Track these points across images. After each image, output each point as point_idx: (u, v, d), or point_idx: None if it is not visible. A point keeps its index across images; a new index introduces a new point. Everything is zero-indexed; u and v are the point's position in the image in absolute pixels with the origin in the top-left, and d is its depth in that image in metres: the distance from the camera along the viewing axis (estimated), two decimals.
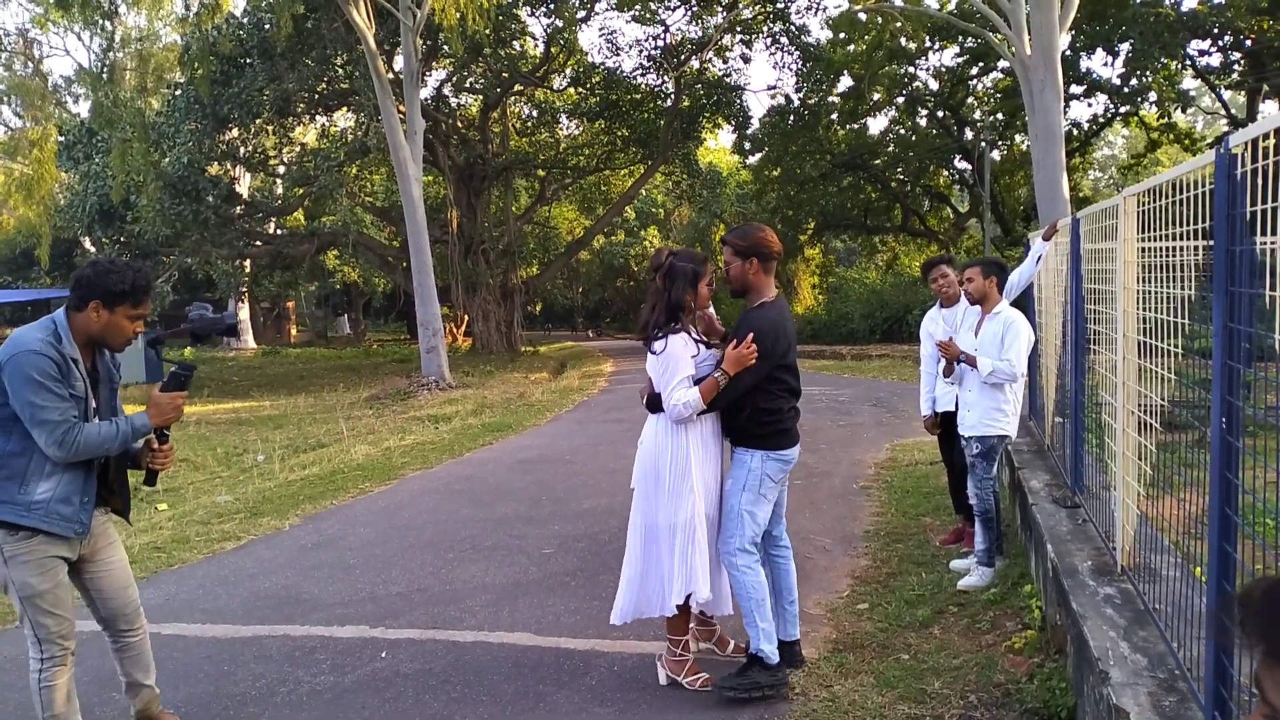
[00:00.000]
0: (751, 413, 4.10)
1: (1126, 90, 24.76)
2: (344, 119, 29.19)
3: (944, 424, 6.15)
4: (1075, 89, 25.27)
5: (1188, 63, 24.60)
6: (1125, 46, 23.61)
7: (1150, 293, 3.46)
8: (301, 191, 27.80)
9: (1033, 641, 4.26)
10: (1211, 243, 2.75)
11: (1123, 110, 26.53)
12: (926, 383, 6.26)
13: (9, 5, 59.60)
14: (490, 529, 7.29)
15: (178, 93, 24.65)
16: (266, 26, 21.84)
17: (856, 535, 6.60)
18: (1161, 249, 3.45)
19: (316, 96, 25.66)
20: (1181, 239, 3.07)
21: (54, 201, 29.33)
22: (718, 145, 40.01)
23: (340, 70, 24.23)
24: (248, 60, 22.90)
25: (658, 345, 4.08)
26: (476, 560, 6.44)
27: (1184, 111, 26.99)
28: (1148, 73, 23.85)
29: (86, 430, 3.35)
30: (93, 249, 29.76)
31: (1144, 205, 3.48)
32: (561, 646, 4.76)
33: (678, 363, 4.03)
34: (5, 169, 33.96)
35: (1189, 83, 26.48)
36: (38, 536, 3.37)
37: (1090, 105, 28.49)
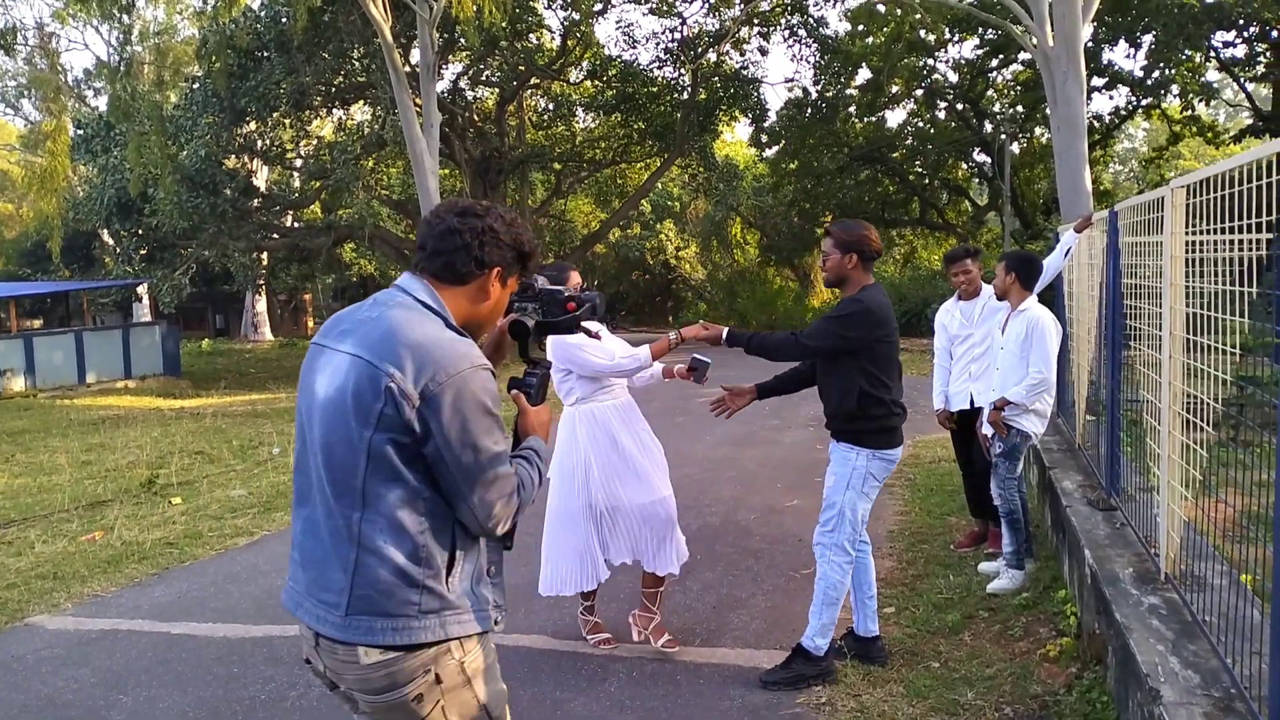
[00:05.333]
0: (860, 404, 3.99)
1: (1149, 82, 24.45)
2: (361, 112, 29.11)
3: (960, 423, 6.00)
4: (1097, 81, 24.95)
5: (1212, 54, 24.24)
6: (1148, 38, 23.30)
7: (1199, 289, 3.30)
8: (318, 184, 27.72)
9: (1069, 650, 4.10)
10: (1272, 236, 2.59)
11: (1145, 103, 26.20)
12: (940, 375, 6.11)
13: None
14: None
15: (195, 86, 24.61)
16: (283, 20, 21.75)
17: (880, 535, 6.43)
18: (1210, 243, 3.30)
19: (333, 89, 25.57)
20: (1236, 232, 2.91)
21: (73, 194, 29.36)
22: (734, 138, 39.78)
23: (357, 63, 24.13)
24: (265, 53, 22.82)
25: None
26: None
27: (1207, 104, 26.64)
28: (1171, 65, 23.53)
29: (525, 481, 2.19)
30: (110, 241, 29.82)
31: (1193, 198, 3.32)
32: (579, 651, 4.63)
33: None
34: (26, 162, 34.08)
35: (1213, 75, 26.12)
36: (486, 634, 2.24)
37: (1112, 98, 28.12)
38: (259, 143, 26.07)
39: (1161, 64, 23.57)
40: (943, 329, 6.10)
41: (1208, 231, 3.29)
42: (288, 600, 2.22)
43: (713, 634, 4.77)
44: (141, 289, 31.25)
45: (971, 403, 5.78)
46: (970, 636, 4.52)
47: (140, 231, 26.20)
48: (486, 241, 2.18)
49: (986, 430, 5.38)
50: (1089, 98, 23.55)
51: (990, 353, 5.56)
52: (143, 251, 27.02)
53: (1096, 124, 26.33)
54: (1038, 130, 27.80)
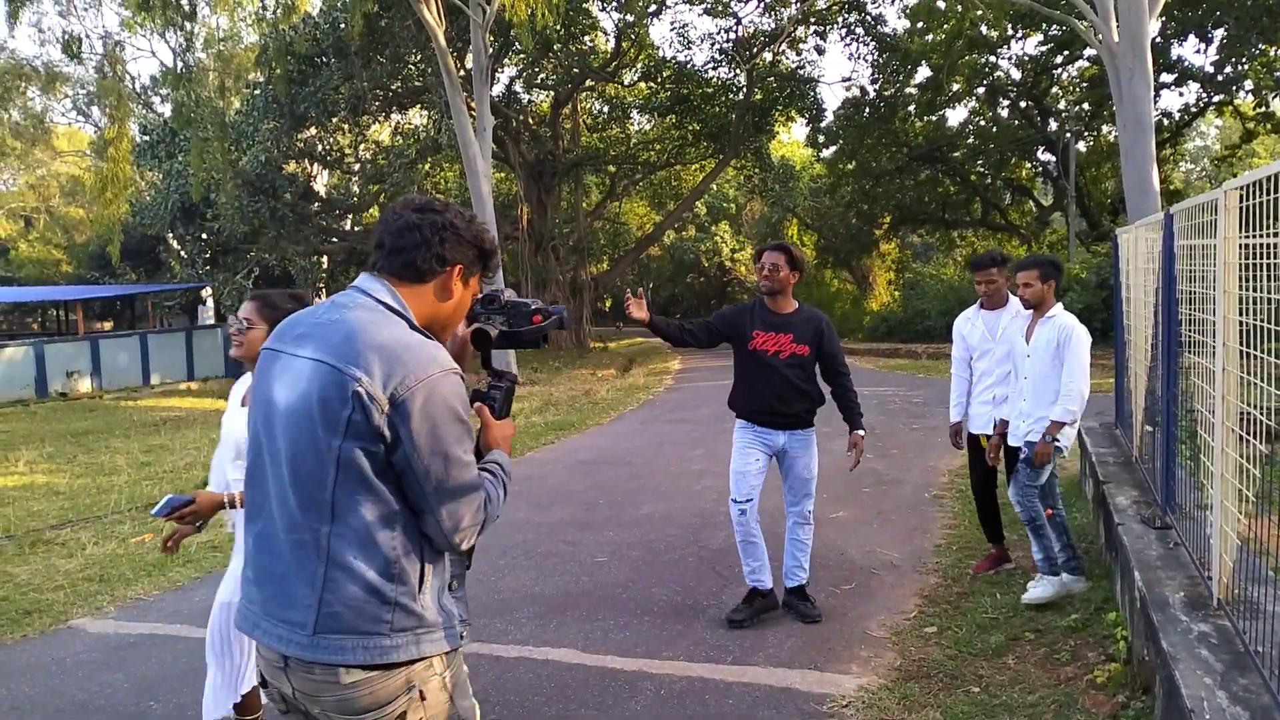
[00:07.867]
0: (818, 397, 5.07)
1: (1220, 78, 23.71)
2: (417, 116, 29.42)
3: (974, 447, 5.72)
4: (1165, 77, 24.27)
5: None
6: (1219, 32, 22.61)
7: (1256, 297, 3.09)
8: (376, 188, 28.11)
9: (1117, 676, 3.90)
10: None
11: (1216, 99, 25.41)
12: (957, 387, 5.76)
13: (102, 9, 61.70)
14: (544, 534, 7.09)
15: (256, 92, 25.09)
16: (341, 26, 22.08)
17: (927, 550, 6.24)
18: (1270, 248, 3.09)
19: (390, 94, 25.89)
20: None
21: (139, 199, 30.11)
22: (790, 139, 39.45)
23: (413, 68, 24.40)
24: (323, 59, 23.19)
25: None
26: (528, 568, 6.25)
27: None
28: (1243, 60, 22.79)
29: (491, 495, 2.10)
30: (176, 245, 30.51)
31: (1249, 200, 3.11)
32: (607, 666, 4.52)
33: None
34: (95, 168, 35.06)
35: None
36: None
37: (1181, 94, 27.43)
38: (318, 147, 26.49)
39: (1234, 59, 22.87)
40: (961, 339, 5.76)
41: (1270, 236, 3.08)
42: (242, 621, 2.09)
43: (745, 652, 4.62)
44: (206, 292, 31.96)
45: (994, 427, 5.44)
46: (1014, 660, 4.33)
47: (204, 236, 26.76)
48: (447, 238, 2.12)
49: (1013, 441, 5.18)
50: (1157, 94, 22.88)
51: (1014, 375, 5.26)
52: (206, 255, 27.61)
53: (1165, 121, 25.62)
54: (1105, 128, 27.11)
